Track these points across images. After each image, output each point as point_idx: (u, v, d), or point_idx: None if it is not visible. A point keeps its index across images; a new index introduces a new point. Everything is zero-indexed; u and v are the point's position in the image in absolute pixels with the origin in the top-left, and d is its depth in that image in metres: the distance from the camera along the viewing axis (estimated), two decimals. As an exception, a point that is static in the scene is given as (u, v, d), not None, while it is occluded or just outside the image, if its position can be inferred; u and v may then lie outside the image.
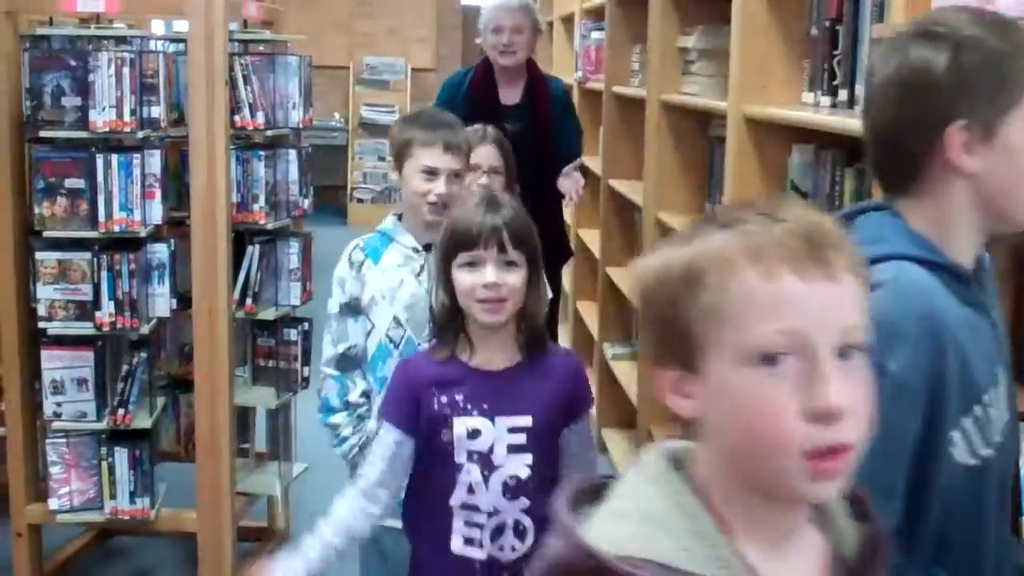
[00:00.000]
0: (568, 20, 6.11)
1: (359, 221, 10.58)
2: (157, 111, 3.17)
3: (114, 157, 3.09)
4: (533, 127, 4.00)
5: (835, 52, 2.53)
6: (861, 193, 2.34)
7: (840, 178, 2.46)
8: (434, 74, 11.32)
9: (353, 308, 2.49)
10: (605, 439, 4.50)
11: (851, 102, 2.45)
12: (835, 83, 2.53)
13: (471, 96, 4.09)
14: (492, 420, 1.98)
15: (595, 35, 5.14)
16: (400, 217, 2.55)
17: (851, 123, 2.14)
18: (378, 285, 2.47)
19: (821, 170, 2.58)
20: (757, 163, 2.76)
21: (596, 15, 5.14)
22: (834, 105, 2.53)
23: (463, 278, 1.98)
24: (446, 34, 11.45)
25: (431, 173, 2.44)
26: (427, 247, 2.45)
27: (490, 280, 1.95)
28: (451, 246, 2.00)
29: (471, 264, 1.97)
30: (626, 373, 4.21)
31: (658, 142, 3.64)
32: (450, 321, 2.02)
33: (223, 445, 3.24)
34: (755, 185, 2.76)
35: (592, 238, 4.98)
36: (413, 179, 2.46)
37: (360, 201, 10.83)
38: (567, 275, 5.77)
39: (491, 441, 1.98)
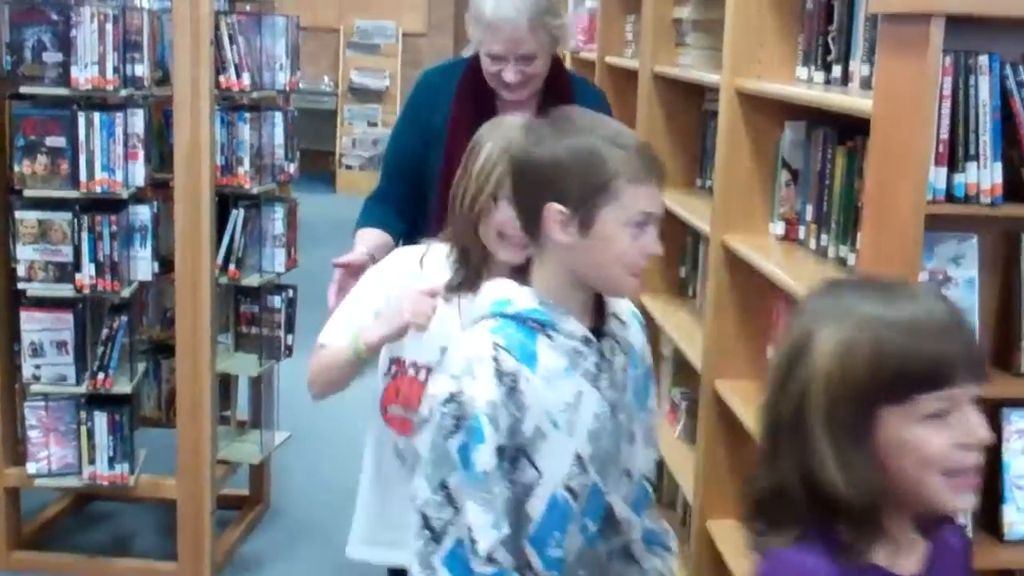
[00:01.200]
0: (562, -12, 6.04)
1: (348, 187, 10.52)
2: (141, 69, 3.12)
3: (96, 115, 3.04)
4: None
5: (830, 27, 2.49)
6: (852, 171, 2.31)
7: (832, 156, 2.43)
8: (425, 39, 11.24)
9: (511, 453, 1.54)
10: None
11: (845, 79, 2.42)
12: (829, 59, 2.50)
13: (457, 113, 2.63)
14: None
15: (589, 3, 5.08)
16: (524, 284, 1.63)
17: (844, 100, 2.11)
18: (545, 406, 1.55)
19: (813, 147, 2.54)
20: (749, 139, 2.72)
21: (590, -16, 5.07)
22: (828, 81, 2.50)
23: (927, 439, 1.21)
24: (439, -1, 11.35)
25: (643, 224, 1.57)
26: (596, 332, 1.62)
27: (982, 436, 1.23)
28: (900, 382, 1.20)
29: (936, 415, 1.21)
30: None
31: (650, 114, 3.60)
32: (872, 509, 1.25)
33: (204, 412, 3.22)
34: (746, 161, 2.72)
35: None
36: (618, 234, 1.54)
37: (349, 167, 10.76)
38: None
39: None
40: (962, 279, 1.85)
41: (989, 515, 1.92)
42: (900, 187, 1.70)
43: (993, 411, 1.91)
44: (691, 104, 3.55)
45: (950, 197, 1.72)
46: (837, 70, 2.47)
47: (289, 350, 3.52)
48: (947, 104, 1.69)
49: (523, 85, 2.59)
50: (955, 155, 1.71)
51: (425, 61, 11.26)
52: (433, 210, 2.51)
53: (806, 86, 2.53)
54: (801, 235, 2.60)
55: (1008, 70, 1.71)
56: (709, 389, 2.77)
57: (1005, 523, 1.90)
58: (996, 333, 1.90)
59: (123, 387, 3.20)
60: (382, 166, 2.77)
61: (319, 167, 10.44)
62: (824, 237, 2.47)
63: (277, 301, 3.46)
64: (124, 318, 3.20)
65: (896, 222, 1.71)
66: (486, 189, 1.85)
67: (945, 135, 1.70)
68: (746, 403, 2.59)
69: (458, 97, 2.64)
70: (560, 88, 2.67)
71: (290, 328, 3.51)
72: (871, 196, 1.84)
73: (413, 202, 2.63)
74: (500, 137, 1.86)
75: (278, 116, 3.42)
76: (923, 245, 1.77)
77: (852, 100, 2.06)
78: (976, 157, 1.70)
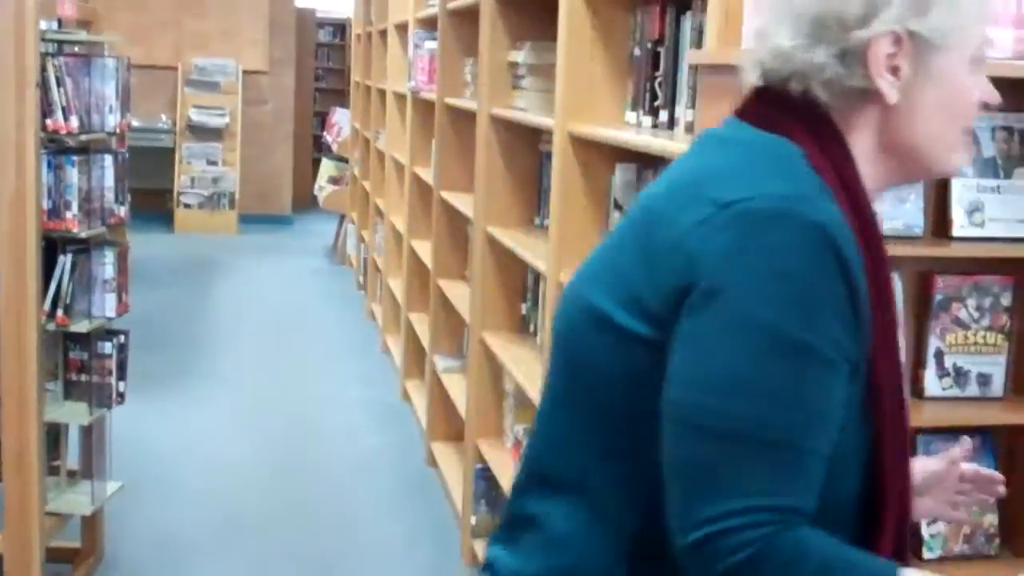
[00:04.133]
0: (402, 28, 6.09)
1: (187, 227, 10.30)
2: (-39, 113, 3.00)
3: (-88, 160, 2.91)
4: None
5: (657, 74, 2.59)
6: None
7: (661, 197, 2.51)
8: (267, 77, 11.13)
9: None
10: (435, 453, 4.48)
11: (671, 123, 2.51)
12: (656, 104, 2.59)
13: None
14: None
15: (428, 45, 5.12)
16: None
17: (667, 144, 2.19)
18: None
19: (643, 188, 2.62)
20: (582, 180, 2.79)
21: (429, 24, 5.13)
22: (655, 125, 2.59)
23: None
24: (280, 36, 11.26)
25: None
26: None
27: None
28: None
29: None
30: (456, 386, 4.20)
31: (488, 156, 3.65)
32: None
33: (31, 463, 3.09)
34: (579, 201, 2.79)
35: (424, 249, 4.96)
36: None
37: (187, 206, 10.53)
38: (398, 287, 5.74)
39: None
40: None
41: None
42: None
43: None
44: (529, 145, 3.62)
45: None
46: (664, 115, 2.56)
47: (121, 397, 3.42)
48: (761, 150, 1.77)
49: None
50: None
51: (268, 98, 11.16)
52: None
53: (635, 130, 2.62)
54: (634, 274, 2.67)
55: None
56: (548, 426, 2.80)
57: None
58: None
59: (-57, 441, 3.05)
60: (805, 459, 1.09)
61: (156, 206, 10.19)
62: (655, 275, 2.55)
63: (108, 347, 3.35)
64: (-56, 369, 3.05)
65: (717, 263, 1.77)
66: None
67: (760, 180, 1.78)
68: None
69: (868, 234, 1.18)
70: None
71: (122, 375, 3.40)
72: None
73: None
74: None
75: (108, 159, 3.33)
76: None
77: (674, 144, 2.14)
78: (789, 200, 1.79)
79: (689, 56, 2.12)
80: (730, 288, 1.08)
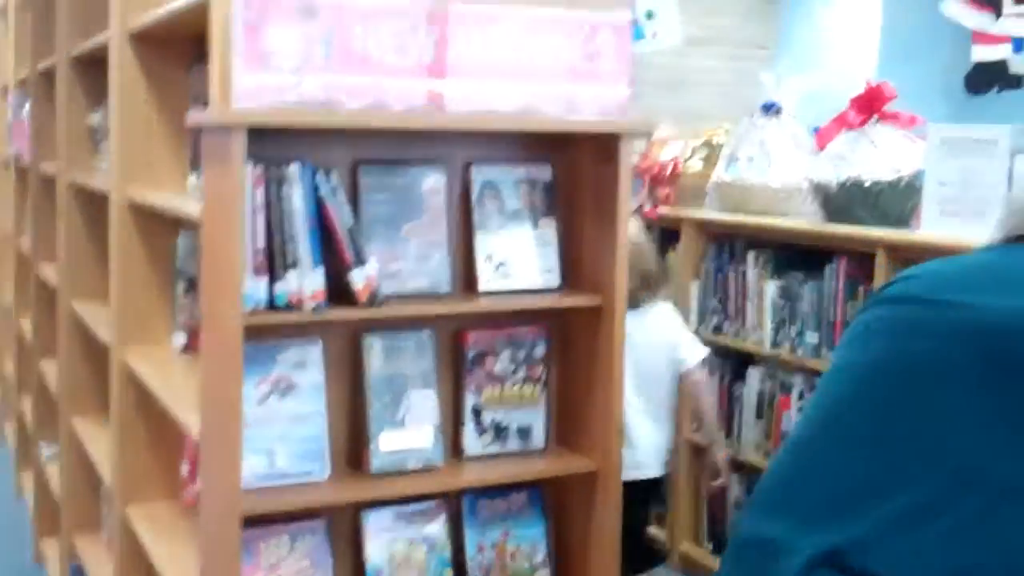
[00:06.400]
0: (4, 91, 5.66)
1: None
2: None
3: None
4: None
5: (210, 135, 2.47)
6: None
7: (220, 263, 2.40)
8: None
9: None
10: (43, 549, 4.11)
11: (224, 186, 2.39)
12: (211, 167, 2.47)
13: None
14: None
15: (28, 108, 4.77)
16: None
17: (195, 212, 2.07)
18: None
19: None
20: (143, 248, 2.63)
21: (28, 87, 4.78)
22: (211, 189, 2.47)
23: None
24: None
25: None
26: None
27: None
28: None
29: None
30: (55, 475, 3.87)
31: (68, 225, 3.40)
32: None
33: None
34: (141, 271, 2.63)
35: (27, 326, 4.58)
36: None
37: None
38: (8, 366, 5.28)
39: None
40: (308, 384, 1.85)
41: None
42: (222, 298, 1.67)
43: (354, 513, 1.93)
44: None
45: (274, 306, 1.71)
46: (219, 178, 2.44)
47: None
48: (262, 214, 1.69)
49: None
50: (275, 264, 1.71)
51: None
52: None
53: (196, 195, 2.49)
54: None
55: (320, 178, 1.75)
56: (121, 517, 2.59)
57: None
58: (347, 434, 1.92)
59: None
60: None
61: None
62: (221, 346, 2.42)
63: None
64: None
65: (222, 333, 1.67)
66: None
67: (263, 245, 1.70)
68: (157, 528, 2.45)
69: None
70: None
71: None
72: (204, 307, 1.80)
73: None
74: None
75: None
76: (262, 353, 1.76)
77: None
78: (296, 265, 1.71)
79: (187, 118, 2.02)
80: None
